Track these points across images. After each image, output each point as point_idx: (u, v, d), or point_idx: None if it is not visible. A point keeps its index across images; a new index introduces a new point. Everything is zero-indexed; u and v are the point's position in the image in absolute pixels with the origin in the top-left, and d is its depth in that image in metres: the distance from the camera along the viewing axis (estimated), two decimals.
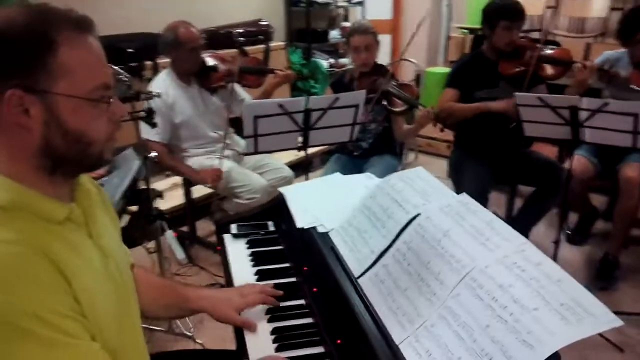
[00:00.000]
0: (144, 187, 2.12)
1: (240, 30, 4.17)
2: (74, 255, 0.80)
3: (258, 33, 4.33)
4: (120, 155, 2.06)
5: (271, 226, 1.57)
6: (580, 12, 5.35)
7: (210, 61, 2.82)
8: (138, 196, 2.06)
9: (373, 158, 2.78)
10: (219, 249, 1.53)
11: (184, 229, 3.17)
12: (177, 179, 3.21)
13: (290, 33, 5.28)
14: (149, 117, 1.78)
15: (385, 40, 7.02)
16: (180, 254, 2.91)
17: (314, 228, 1.35)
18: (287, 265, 1.39)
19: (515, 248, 0.98)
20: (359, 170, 2.80)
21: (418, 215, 1.11)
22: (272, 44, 4.43)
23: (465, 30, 5.72)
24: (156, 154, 2.02)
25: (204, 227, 3.25)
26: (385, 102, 2.48)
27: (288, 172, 2.85)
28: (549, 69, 2.63)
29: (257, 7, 4.76)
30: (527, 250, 0.97)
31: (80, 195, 0.90)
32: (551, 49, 2.71)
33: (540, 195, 2.72)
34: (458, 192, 2.68)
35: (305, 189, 1.59)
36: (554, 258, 2.41)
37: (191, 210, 3.10)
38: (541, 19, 5.37)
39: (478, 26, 5.69)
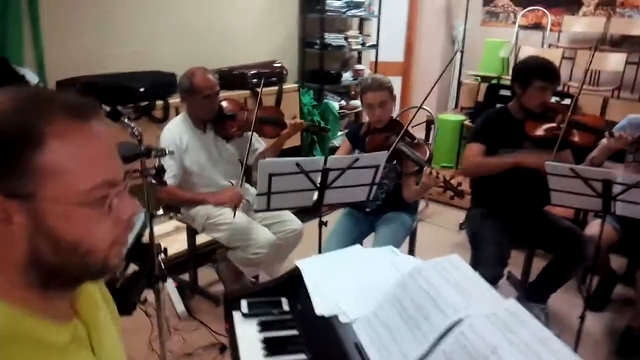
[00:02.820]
0: (147, 242, 1.99)
1: (254, 72, 4.12)
2: None
3: (272, 75, 4.27)
4: None
5: (285, 304, 1.44)
6: (596, 65, 5.32)
7: (228, 108, 2.74)
8: (141, 253, 1.93)
9: (386, 215, 2.66)
10: (228, 327, 1.39)
11: (185, 276, 3.03)
12: (180, 223, 3.08)
13: (303, 74, 5.24)
14: (159, 176, 1.67)
15: (396, 82, 7.03)
16: (180, 307, 2.78)
17: (335, 316, 1.23)
18: (303, 357, 1.25)
19: None
20: (371, 227, 2.69)
21: (459, 320, 0.98)
22: (285, 86, 4.37)
23: (478, 78, 5.69)
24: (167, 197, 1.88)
25: (206, 275, 3.11)
26: (395, 162, 2.38)
27: (298, 224, 2.73)
28: (576, 135, 2.52)
29: (271, 48, 4.73)
30: None
31: (82, 304, 0.77)
32: (582, 114, 2.61)
33: (561, 262, 2.59)
34: (476, 254, 2.63)
35: (324, 263, 1.47)
36: (578, 333, 2.26)
37: (194, 257, 2.97)
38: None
39: (492, 74, 5.70)
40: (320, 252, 2.22)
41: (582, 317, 2.21)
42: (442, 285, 1.09)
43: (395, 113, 5.42)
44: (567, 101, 4.45)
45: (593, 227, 2.64)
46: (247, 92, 3.96)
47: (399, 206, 2.67)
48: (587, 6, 5.67)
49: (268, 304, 1.43)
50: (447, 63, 2.60)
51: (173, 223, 3.34)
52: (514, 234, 2.62)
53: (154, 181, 1.77)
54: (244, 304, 1.42)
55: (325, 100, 5.24)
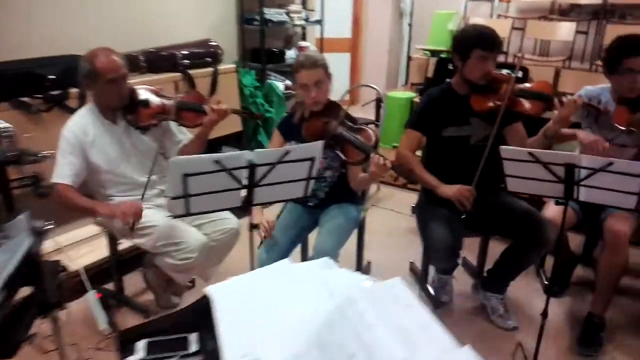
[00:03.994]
0: (43, 259, 1.66)
1: (185, 52, 3.75)
2: None
3: (206, 55, 3.91)
4: (11, 223, 1.61)
5: (194, 342, 1.15)
6: (546, 34, 5.19)
7: (143, 94, 2.39)
8: (35, 274, 1.60)
9: (331, 208, 2.41)
10: None
11: (111, 286, 2.70)
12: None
13: (243, 53, 4.89)
14: (35, 186, 1.34)
15: (344, 59, 6.75)
16: (102, 322, 2.46)
17: None
18: None
19: None
20: (315, 221, 2.43)
21: None
22: (222, 67, 4.01)
23: (427, 52, 5.48)
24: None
25: (134, 282, 2.78)
26: (338, 151, 2.11)
27: (233, 222, 2.43)
28: (526, 104, 2.32)
29: (205, 26, 4.34)
30: None
31: None
32: (531, 82, 2.41)
33: (520, 249, 2.41)
34: (427, 245, 2.41)
35: (241, 288, 1.19)
36: (541, 330, 2.08)
37: (117, 264, 2.64)
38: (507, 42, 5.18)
39: (441, 48, 5.49)
40: (252, 255, 1.95)
41: (545, 314, 2.03)
42: (379, 327, 0.83)
43: (344, 91, 5.16)
44: (519, 75, 4.31)
45: (551, 209, 2.47)
46: (178, 74, 3.60)
47: (344, 198, 2.42)
48: None
49: (172, 344, 1.14)
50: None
51: (92, 229, 2.97)
52: (468, 220, 2.42)
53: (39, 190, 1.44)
54: (140, 345, 1.13)
55: (268, 81, 4.91)
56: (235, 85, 4.24)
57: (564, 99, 2.25)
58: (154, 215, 2.28)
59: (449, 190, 2.29)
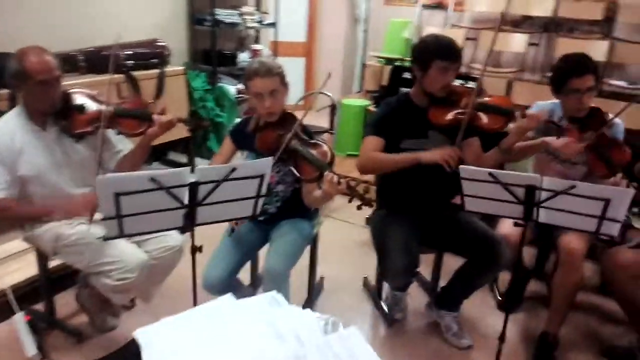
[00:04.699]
0: None
1: (130, 52, 3.53)
2: None
3: (152, 55, 3.71)
4: None
5: None
6: (498, 45, 5.23)
7: (78, 99, 2.19)
8: None
9: (282, 223, 2.27)
10: None
11: (40, 307, 2.47)
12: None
13: (194, 55, 4.70)
14: None
15: (299, 63, 6.63)
16: (31, 347, 2.24)
17: None
18: None
19: None
20: (265, 237, 2.30)
21: None
22: (170, 69, 3.82)
23: (382, 60, 5.43)
24: None
25: (67, 302, 2.55)
26: (292, 167, 1.99)
27: (176, 239, 2.24)
28: (484, 118, 2.26)
29: (153, 25, 4.13)
30: None
31: None
32: (489, 95, 2.35)
33: (474, 267, 2.35)
34: (383, 263, 2.31)
35: (175, 332, 1.04)
36: (498, 354, 2.02)
37: (48, 283, 2.41)
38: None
39: (396, 56, 5.45)
40: (194, 282, 1.79)
41: (502, 338, 1.97)
42: None
43: (297, 98, 5.03)
44: (471, 85, 4.32)
45: (506, 225, 2.42)
46: (121, 76, 3.38)
47: (297, 213, 2.29)
48: None
49: None
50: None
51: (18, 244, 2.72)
52: (423, 236, 2.35)
53: None
54: None
55: (219, 84, 4.75)
56: (184, 89, 4.05)
57: (527, 112, 2.21)
58: (87, 232, 2.08)
59: (432, 155, 2.15)
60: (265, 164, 1.63)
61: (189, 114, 4.11)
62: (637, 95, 4.24)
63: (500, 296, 2.86)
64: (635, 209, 2.95)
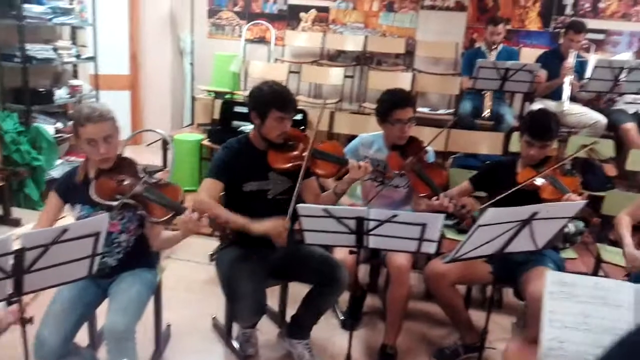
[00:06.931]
0: None
1: None
2: None
3: None
4: None
5: None
6: (319, 78, 5.62)
7: None
8: None
9: (122, 276, 2.16)
10: None
11: None
12: None
13: (2, 94, 4.25)
14: None
15: (124, 96, 6.34)
16: None
17: None
18: None
19: None
20: (103, 293, 2.17)
21: None
22: None
23: (211, 93, 5.46)
24: None
25: None
26: (140, 211, 1.94)
27: None
28: (319, 165, 2.39)
29: None
30: None
31: None
32: (322, 142, 2.54)
33: (319, 292, 2.48)
34: (232, 304, 2.32)
35: None
36: None
37: None
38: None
39: (225, 90, 5.53)
40: (26, 357, 1.63)
41: (348, 357, 2.12)
42: None
43: (124, 132, 4.82)
44: (298, 116, 4.56)
45: (341, 252, 2.61)
46: None
47: (139, 263, 2.20)
48: (305, 22, 5.97)
49: None
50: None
51: None
52: (269, 271, 2.42)
53: None
54: None
55: (34, 124, 4.36)
56: None
57: (352, 162, 2.39)
58: None
59: (262, 226, 2.21)
60: (101, 221, 1.56)
61: (0, 161, 3.69)
62: (439, 119, 4.90)
63: (342, 315, 3.05)
64: (448, 221, 3.35)
